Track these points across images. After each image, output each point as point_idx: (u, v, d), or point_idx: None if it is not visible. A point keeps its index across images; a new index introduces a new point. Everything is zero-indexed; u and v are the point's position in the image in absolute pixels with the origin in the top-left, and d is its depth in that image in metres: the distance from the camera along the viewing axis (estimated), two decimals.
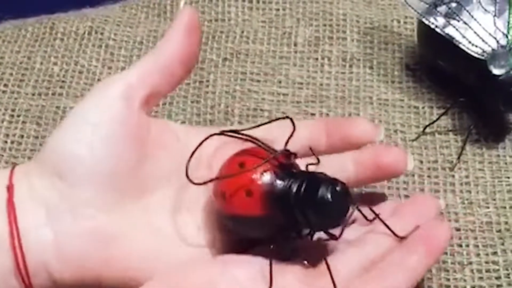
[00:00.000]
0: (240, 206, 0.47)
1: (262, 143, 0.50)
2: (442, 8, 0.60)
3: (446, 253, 0.54)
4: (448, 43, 0.59)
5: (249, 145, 0.50)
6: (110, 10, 0.70)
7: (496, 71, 0.58)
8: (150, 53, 0.50)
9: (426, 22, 0.60)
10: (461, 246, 0.54)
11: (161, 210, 0.49)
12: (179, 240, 0.49)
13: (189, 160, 0.49)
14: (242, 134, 0.51)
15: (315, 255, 0.47)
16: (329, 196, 0.45)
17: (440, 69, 0.62)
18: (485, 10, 0.59)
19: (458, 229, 0.55)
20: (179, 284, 0.46)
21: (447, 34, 0.59)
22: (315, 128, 0.54)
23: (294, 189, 0.46)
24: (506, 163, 0.59)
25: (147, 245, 0.48)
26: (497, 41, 0.58)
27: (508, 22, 0.59)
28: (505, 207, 0.56)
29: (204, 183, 0.48)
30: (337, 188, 0.45)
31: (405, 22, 0.68)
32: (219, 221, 0.50)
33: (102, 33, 0.68)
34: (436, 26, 0.60)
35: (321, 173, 0.47)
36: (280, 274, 0.46)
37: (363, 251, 0.48)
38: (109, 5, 0.71)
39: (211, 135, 0.51)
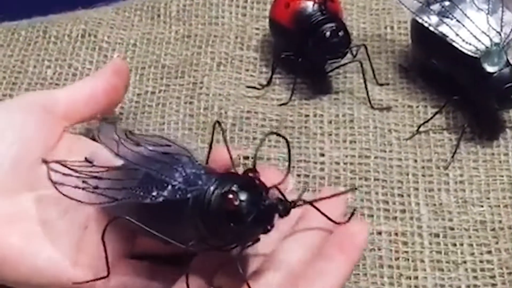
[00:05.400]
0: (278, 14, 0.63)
1: None
2: (436, 7, 0.60)
3: (440, 252, 0.54)
4: (442, 42, 0.59)
5: None
6: (103, 12, 0.70)
7: (489, 69, 0.58)
8: (81, 80, 0.59)
9: (420, 21, 0.60)
10: (455, 245, 0.54)
11: (52, 207, 0.49)
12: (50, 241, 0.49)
13: None
14: None
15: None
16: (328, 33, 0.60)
17: (434, 68, 0.62)
18: (478, 8, 0.60)
19: (452, 228, 0.55)
20: None
21: (441, 32, 0.59)
22: None
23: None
24: (500, 161, 0.59)
25: (17, 241, 0.48)
26: (491, 39, 0.58)
27: (501, 20, 0.59)
28: (499, 206, 0.56)
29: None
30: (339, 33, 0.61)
31: (398, 28, 0.68)
32: None
33: (95, 36, 0.68)
34: (430, 25, 0.60)
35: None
36: None
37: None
38: (102, 7, 0.71)
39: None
